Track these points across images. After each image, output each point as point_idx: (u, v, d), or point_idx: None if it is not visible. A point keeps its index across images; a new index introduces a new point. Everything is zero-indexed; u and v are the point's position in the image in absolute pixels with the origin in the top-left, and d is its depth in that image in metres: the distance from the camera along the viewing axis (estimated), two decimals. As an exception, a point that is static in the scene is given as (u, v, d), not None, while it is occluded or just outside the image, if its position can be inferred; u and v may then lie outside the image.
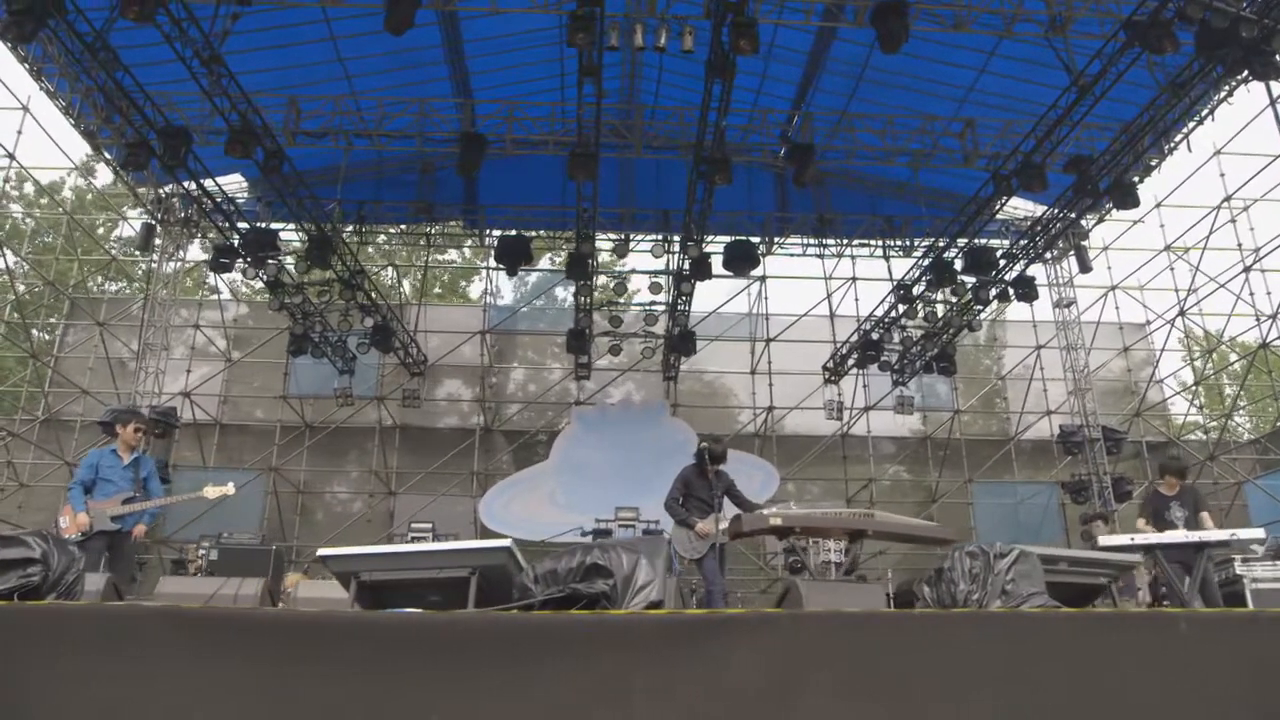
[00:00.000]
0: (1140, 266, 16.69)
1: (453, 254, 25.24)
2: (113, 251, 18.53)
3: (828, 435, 17.46)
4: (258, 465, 16.93)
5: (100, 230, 23.06)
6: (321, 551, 4.41)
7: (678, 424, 16.97)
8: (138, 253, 16.84)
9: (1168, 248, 16.04)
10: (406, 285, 21.12)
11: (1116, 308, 17.24)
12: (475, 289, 25.43)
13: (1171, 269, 16.05)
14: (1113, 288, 17.11)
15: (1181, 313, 15.55)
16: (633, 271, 18.91)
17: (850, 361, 16.35)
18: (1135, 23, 10.04)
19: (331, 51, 14.03)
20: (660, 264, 16.54)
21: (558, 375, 18.49)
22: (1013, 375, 18.22)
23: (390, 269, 19.35)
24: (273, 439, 17.26)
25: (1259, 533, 6.55)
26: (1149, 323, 17.67)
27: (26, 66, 12.30)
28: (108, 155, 13.95)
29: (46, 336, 18.90)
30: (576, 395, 17.83)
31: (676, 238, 15.51)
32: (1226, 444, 16.10)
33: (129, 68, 11.10)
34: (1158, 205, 15.87)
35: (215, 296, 18.07)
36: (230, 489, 6.93)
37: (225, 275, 15.99)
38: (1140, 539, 6.84)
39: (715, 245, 16.56)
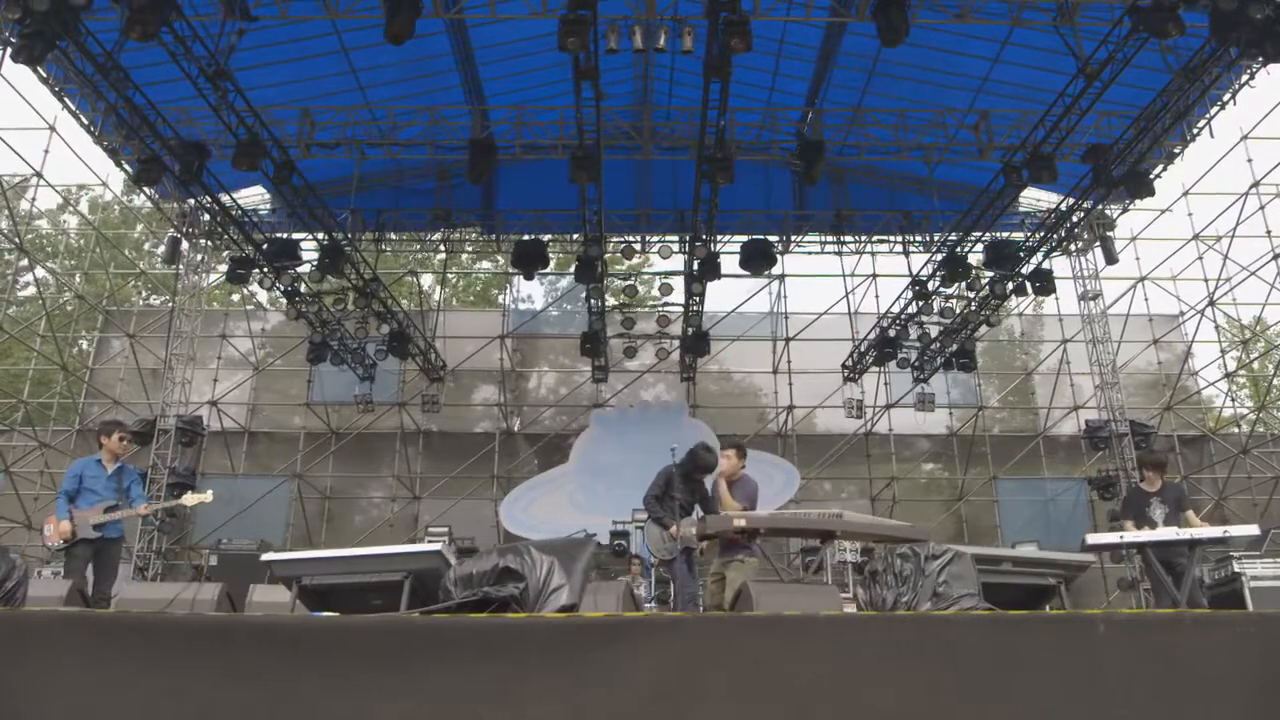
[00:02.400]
0: (1169, 256, 16.27)
1: (486, 263, 25.45)
2: (145, 265, 18.95)
3: (852, 434, 17.31)
4: (285, 472, 17.23)
5: (146, 245, 23.70)
6: (266, 556, 4.48)
7: (696, 425, 16.92)
8: (172, 266, 17.12)
9: (1196, 236, 15.59)
10: (436, 291, 21.36)
11: (1146, 299, 16.84)
12: (509, 295, 25.53)
13: (1201, 259, 15.61)
14: (1141, 279, 16.69)
15: (1212, 303, 15.11)
16: (643, 273, 18.90)
17: (869, 359, 16.16)
18: (1138, 7, 9.78)
19: (344, 63, 14.21)
20: (677, 264, 16.51)
21: (583, 378, 18.55)
22: (1041, 370, 17.88)
23: (415, 275, 19.51)
24: (305, 446, 17.57)
25: (1253, 529, 6.33)
26: (1182, 314, 17.19)
27: (49, 87, 12.68)
28: (130, 171, 14.28)
29: (86, 345, 19.46)
30: (596, 397, 17.89)
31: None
32: (1261, 437, 15.60)
33: (140, 86, 11.37)
34: (1185, 193, 15.46)
35: (244, 306, 18.43)
36: (208, 496, 7.06)
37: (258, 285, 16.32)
38: (1129, 537, 6.66)
39: (733, 245, 16.57)
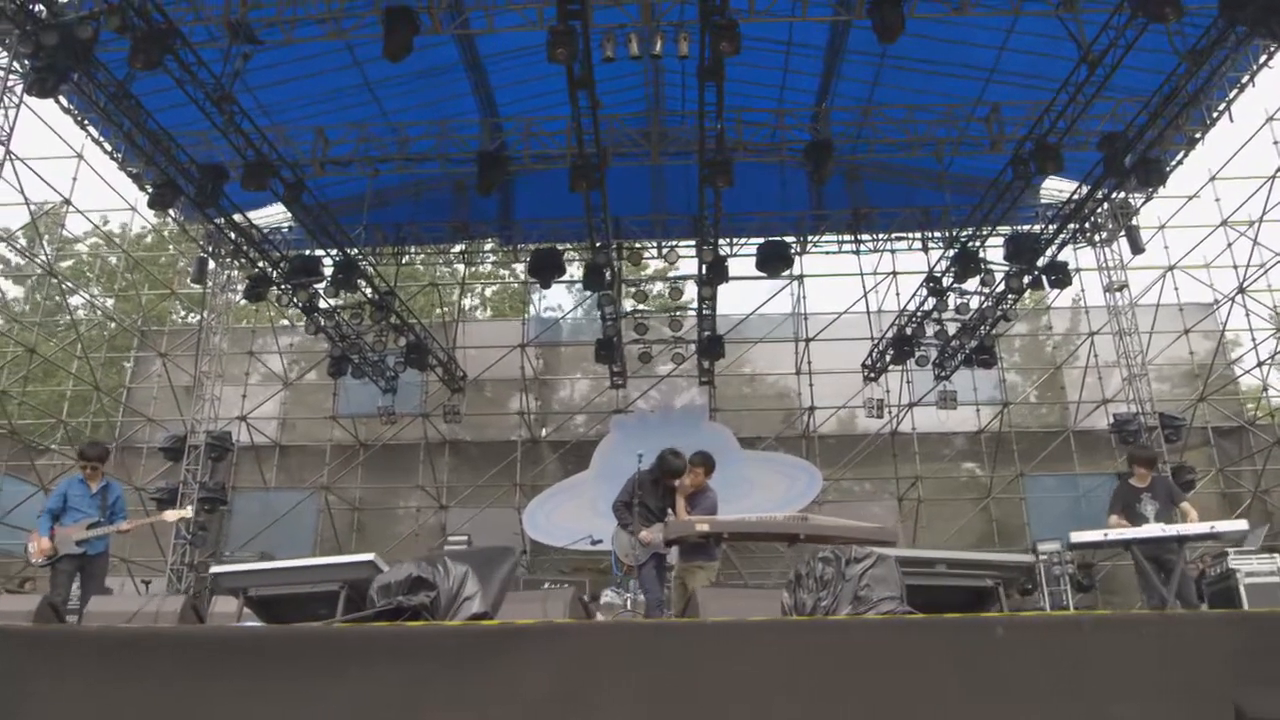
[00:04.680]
0: (1198, 244, 15.81)
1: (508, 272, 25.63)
2: (179, 285, 19.48)
3: (875, 434, 17.13)
4: (316, 485, 17.55)
5: (180, 264, 24.36)
6: (214, 569, 4.61)
7: (716, 428, 16.89)
8: (201, 286, 17.55)
9: (1225, 222, 15.14)
10: (466, 302, 21.59)
11: (1175, 288, 16.37)
12: (541, 305, 25.59)
13: (1230, 246, 15.15)
14: (1170, 268, 16.24)
15: (1242, 290, 14.66)
16: (654, 279, 18.90)
17: (888, 358, 15.98)
18: (1135, -9, 9.58)
19: (359, 75, 14.41)
20: (694, 269, 16.50)
21: (606, 384, 18.60)
22: (1070, 364, 17.51)
23: (436, 286, 19.77)
24: (333, 459, 17.90)
25: (1241, 524, 6.16)
26: (1216, 301, 16.68)
27: (72, 117, 13.14)
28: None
29: (128, 365, 20.04)
30: (619, 403, 17.95)
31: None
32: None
33: (152, 113, 11.74)
34: (1212, 179, 15.04)
35: (272, 323, 18.80)
36: (188, 512, 7.25)
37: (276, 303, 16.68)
38: (1114, 534, 6.51)
39: (750, 247, 16.55)
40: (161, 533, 14.82)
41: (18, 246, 15.71)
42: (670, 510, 6.93)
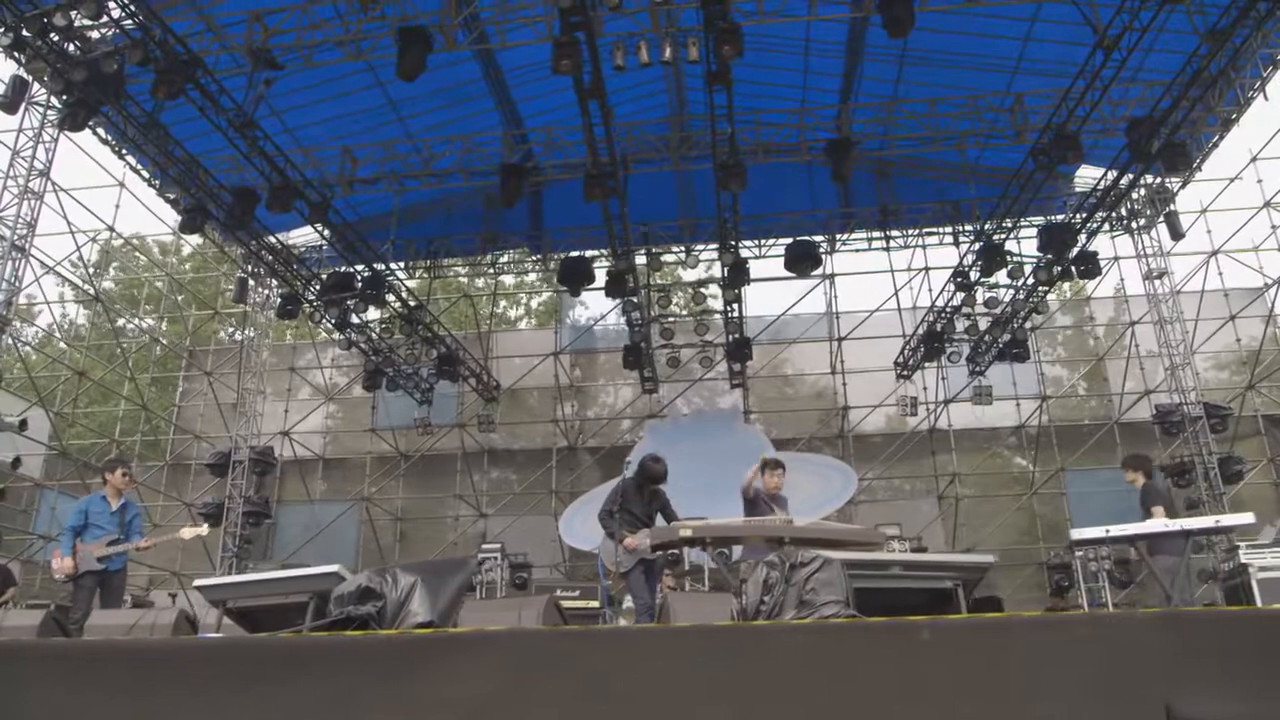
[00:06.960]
0: (1240, 227, 15.28)
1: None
2: (223, 304, 20.05)
3: (910, 432, 16.91)
4: (358, 496, 17.92)
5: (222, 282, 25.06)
6: (198, 582, 4.78)
7: (751, 430, 16.83)
8: (242, 305, 18.03)
9: (1267, 204, 14.62)
10: (512, 313, 21.85)
11: (1220, 274, 15.83)
12: (580, 314, 25.74)
13: (1275, 229, 14.61)
14: (1214, 252, 15.73)
15: (1288, 272, 14.16)
16: (686, 285, 18.88)
17: (920, 355, 15.75)
18: (1147, -28, 9.35)
19: (381, 96, 14.72)
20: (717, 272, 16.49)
21: (640, 390, 18.66)
22: (1113, 355, 17.07)
23: (470, 298, 20.04)
24: (376, 470, 18.26)
25: (1248, 517, 5.98)
26: (1266, 285, 16.10)
27: (110, 148, 13.66)
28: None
29: (183, 385, 20.69)
30: (651, 408, 18.00)
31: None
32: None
33: (182, 140, 12.15)
34: (1253, 160, 14.54)
35: (313, 339, 19.27)
36: (204, 529, 7.45)
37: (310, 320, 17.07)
38: (1116, 530, 6.37)
39: (778, 248, 16.48)
40: (212, 547, 15.31)
41: (62, 274, 16.33)
42: (660, 516, 6.97)
